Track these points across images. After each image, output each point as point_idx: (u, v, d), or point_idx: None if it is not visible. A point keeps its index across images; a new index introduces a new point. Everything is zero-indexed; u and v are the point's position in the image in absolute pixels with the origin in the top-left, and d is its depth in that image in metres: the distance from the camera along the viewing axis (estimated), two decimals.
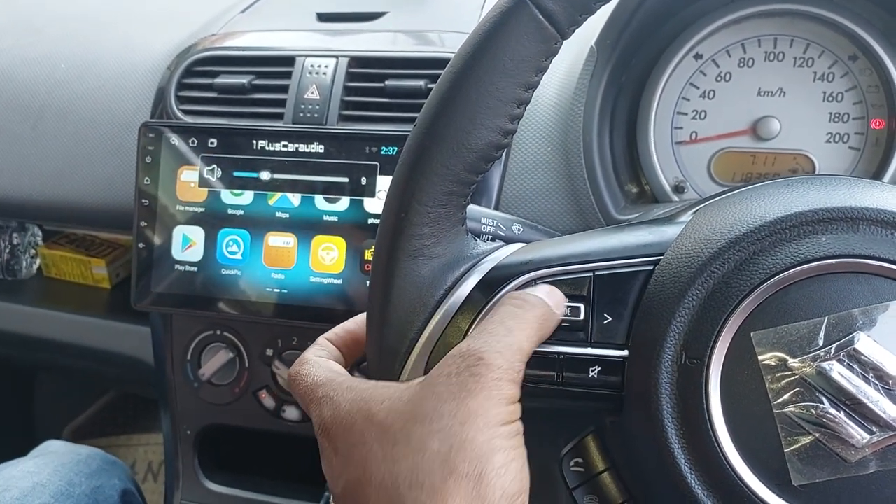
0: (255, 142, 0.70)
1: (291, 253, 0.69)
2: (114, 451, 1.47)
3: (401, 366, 0.42)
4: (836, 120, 0.67)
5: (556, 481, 0.46)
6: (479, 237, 0.48)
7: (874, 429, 0.35)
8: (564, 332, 0.41)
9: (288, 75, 0.74)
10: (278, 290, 0.69)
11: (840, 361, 0.36)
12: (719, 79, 0.70)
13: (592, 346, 0.41)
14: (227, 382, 0.76)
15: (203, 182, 0.71)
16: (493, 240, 0.49)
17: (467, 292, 0.42)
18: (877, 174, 0.66)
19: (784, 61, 0.68)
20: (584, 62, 0.67)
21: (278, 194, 0.70)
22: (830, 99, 0.67)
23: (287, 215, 0.69)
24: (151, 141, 0.72)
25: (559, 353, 0.41)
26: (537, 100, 0.71)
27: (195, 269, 0.71)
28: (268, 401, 0.75)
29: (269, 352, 0.74)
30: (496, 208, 0.70)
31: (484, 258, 0.44)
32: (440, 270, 0.42)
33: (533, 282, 0.42)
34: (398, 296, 0.42)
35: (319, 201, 0.69)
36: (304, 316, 0.69)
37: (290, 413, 0.74)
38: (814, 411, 0.36)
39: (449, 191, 0.41)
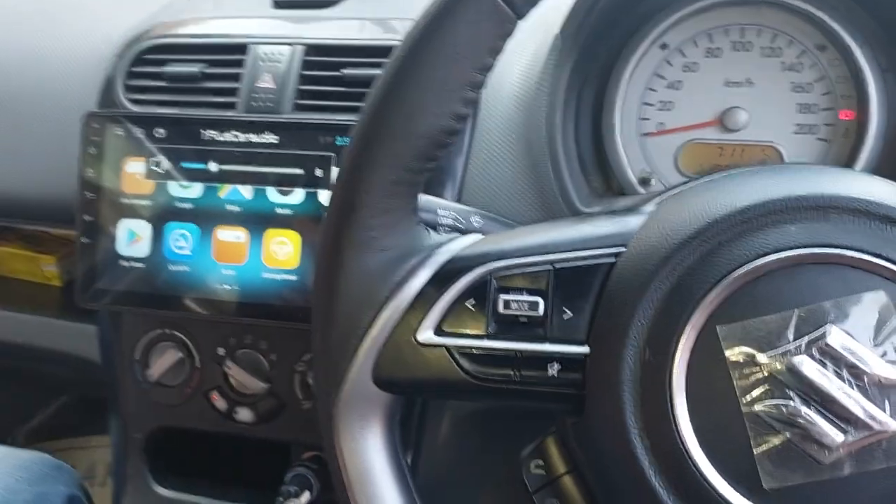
0: (203, 132, 0.67)
1: (243, 248, 0.66)
2: (71, 453, 1.42)
3: (347, 365, 0.40)
4: (805, 111, 0.66)
5: (519, 484, 0.44)
6: (435, 230, 0.46)
7: (849, 428, 0.33)
8: (522, 328, 0.39)
9: (241, 63, 0.71)
10: (229, 287, 0.66)
11: (811, 356, 0.34)
12: (686, 69, 0.68)
13: (552, 343, 0.39)
14: (177, 383, 0.72)
15: (149, 174, 0.68)
16: (450, 232, 0.47)
17: (419, 286, 0.40)
18: (846, 166, 0.64)
19: (752, 51, 0.67)
20: (548, 51, 0.65)
21: (229, 187, 0.66)
22: (799, 89, 0.66)
23: (238, 208, 0.66)
24: (96, 131, 0.69)
25: (516, 351, 0.39)
26: (500, 90, 0.69)
27: (141, 264, 0.68)
28: (219, 402, 0.71)
29: (222, 351, 0.71)
30: (458, 200, 0.67)
31: (437, 250, 0.41)
32: (390, 263, 0.40)
33: (489, 276, 0.40)
34: (344, 290, 0.39)
35: (272, 194, 0.66)
36: (256, 313, 0.65)
37: (243, 415, 0.71)
38: (784, 409, 0.34)
39: (398, 180, 0.39)
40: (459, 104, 0.38)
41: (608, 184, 0.70)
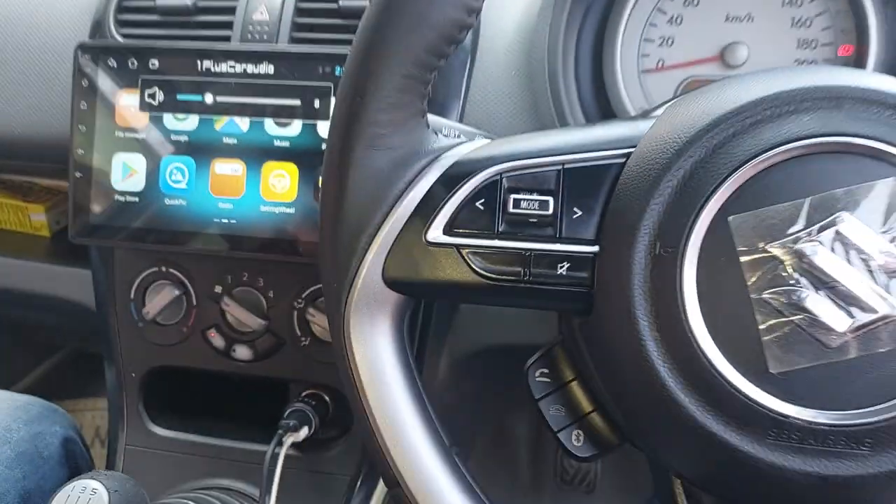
0: (199, 62, 0.66)
1: (240, 181, 0.65)
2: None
3: (357, 264, 0.39)
4: (805, 46, 0.66)
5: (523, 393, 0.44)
6: None
7: (856, 312, 0.34)
8: (532, 227, 0.39)
9: None
10: (226, 221, 0.65)
11: (822, 243, 0.34)
12: (687, 4, 0.68)
13: (562, 242, 0.39)
14: (174, 322, 0.72)
15: (144, 106, 0.67)
16: None
17: (428, 187, 0.39)
18: None
19: None
20: None
21: (225, 119, 0.65)
22: (799, 24, 0.66)
23: (235, 141, 0.65)
24: (88, 63, 0.67)
25: (526, 250, 0.39)
26: (500, 23, 0.69)
27: (136, 199, 0.67)
28: (217, 340, 0.71)
29: (218, 288, 0.70)
30: None
31: (445, 153, 0.41)
32: (399, 163, 0.39)
33: (499, 176, 0.40)
34: (354, 189, 0.39)
35: (269, 125, 0.65)
36: (253, 247, 0.65)
37: (241, 352, 0.70)
38: (793, 296, 0.34)
39: (408, 74, 0.38)
40: None
41: (605, 118, 0.70)
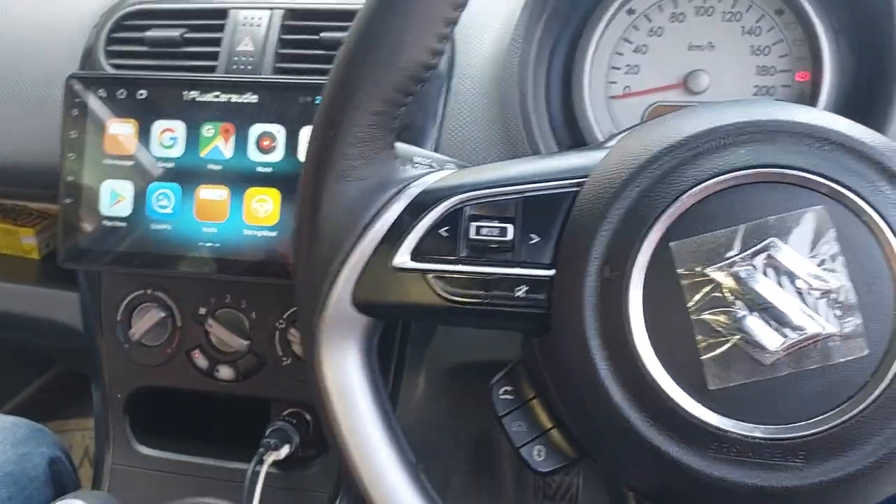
0: (185, 93, 0.68)
1: (224, 206, 0.67)
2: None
3: (328, 288, 0.42)
4: (764, 73, 0.69)
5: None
6: None
7: (787, 332, 0.36)
8: (493, 252, 0.41)
9: (221, 28, 0.73)
10: (210, 244, 0.68)
11: (755, 267, 0.37)
12: (651, 33, 0.71)
13: (520, 266, 0.41)
14: (159, 343, 0.74)
15: (131, 135, 0.69)
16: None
17: (395, 215, 0.42)
18: None
19: (713, 15, 0.69)
20: (519, 12, 0.67)
21: (210, 146, 0.68)
22: (758, 52, 0.69)
23: (219, 167, 0.68)
24: (78, 93, 0.70)
25: (487, 274, 0.41)
26: (474, 51, 0.71)
27: (124, 224, 0.69)
28: (201, 361, 0.73)
29: (203, 310, 0.72)
30: None
31: (413, 182, 0.43)
32: (369, 192, 0.42)
33: (462, 205, 0.42)
34: (326, 217, 0.42)
35: (253, 152, 0.67)
36: (238, 270, 0.67)
37: (224, 372, 0.72)
38: (730, 317, 0.37)
39: (378, 111, 0.41)
40: (435, 39, 0.40)
41: (577, 146, 0.73)
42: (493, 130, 0.69)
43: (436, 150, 0.69)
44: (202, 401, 0.77)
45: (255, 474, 0.66)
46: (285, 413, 0.74)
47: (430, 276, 0.41)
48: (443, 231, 0.42)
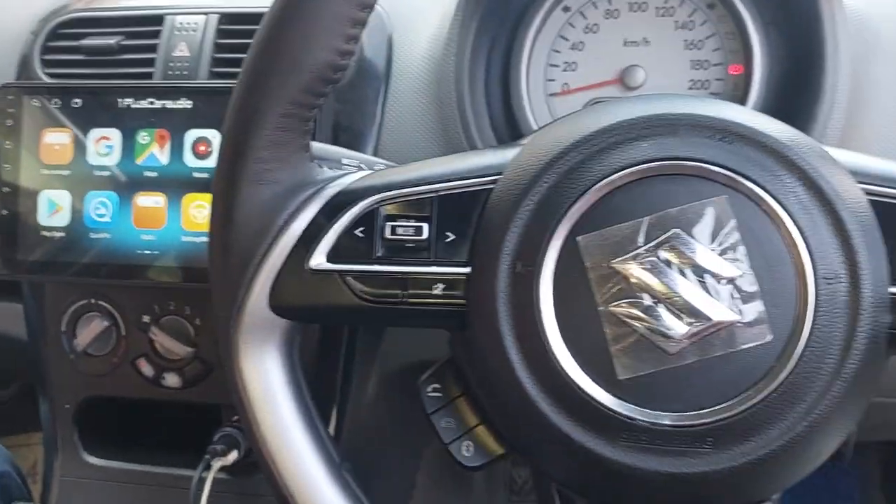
0: (120, 100, 0.68)
1: (161, 213, 0.67)
2: (13, 451, 1.41)
3: (244, 293, 0.42)
4: (698, 67, 0.70)
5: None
6: None
7: (692, 321, 0.37)
8: (409, 252, 0.42)
9: (157, 34, 0.72)
10: (149, 252, 0.67)
11: (659, 259, 0.37)
12: (587, 30, 0.71)
13: (436, 265, 0.41)
14: (104, 352, 0.73)
15: (67, 144, 0.68)
16: None
17: (311, 217, 0.42)
18: None
19: (647, 11, 0.70)
20: (453, 13, 0.67)
21: (146, 153, 0.68)
22: (691, 47, 0.70)
23: (156, 174, 0.67)
24: (11, 103, 0.69)
25: (403, 273, 0.41)
26: (411, 52, 0.72)
27: (62, 234, 0.69)
28: (147, 369, 0.72)
29: (146, 318, 0.72)
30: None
31: (329, 184, 0.43)
32: (283, 195, 0.42)
33: (377, 205, 0.42)
34: (240, 222, 0.41)
35: (189, 158, 0.67)
36: (178, 277, 0.67)
37: (170, 380, 0.72)
38: (636, 308, 0.37)
39: (287, 113, 0.41)
40: (342, 40, 0.40)
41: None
42: (432, 131, 0.69)
43: (375, 153, 0.70)
44: (153, 408, 0.76)
45: (201, 480, 0.65)
46: (234, 418, 0.74)
47: (346, 276, 0.41)
48: (358, 231, 0.42)
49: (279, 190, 0.42)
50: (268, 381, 0.42)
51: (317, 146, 0.54)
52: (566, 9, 0.72)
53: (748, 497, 0.39)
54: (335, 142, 0.68)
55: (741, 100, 0.68)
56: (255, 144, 0.40)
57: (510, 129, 0.73)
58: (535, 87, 0.72)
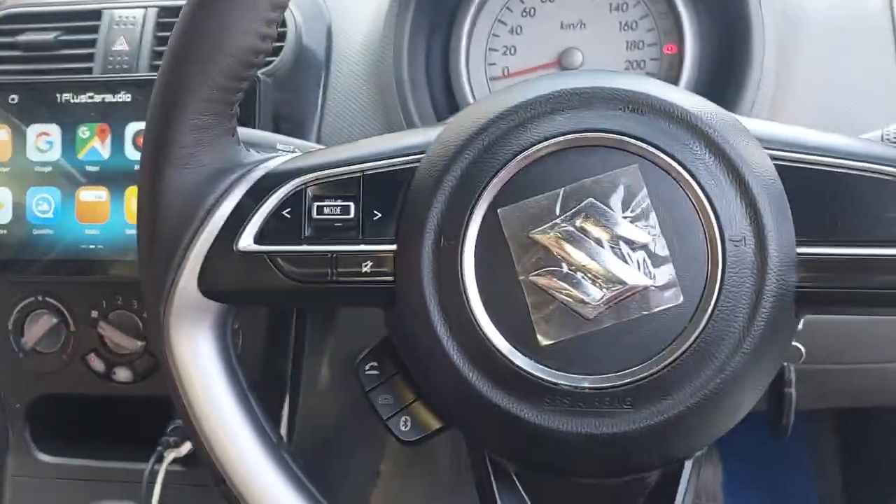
0: (59, 95, 0.68)
1: (104, 207, 0.67)
2: None
3: (173, 277, 0.42)
4: (633, 48, 0.71)
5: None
6: None
7: (607, 286, 0.38)
8: (337, 231, 0.42)
9: (95, 29, 0.72)
10: (94, 247, 0.67)
11: (575, 227, 0.38)
12: (525, 14, 0.72)
13: (364, 243, 0.42)
14: (54, 350, 0.73)
15: (6, 141, 0.68)
16: None
17: (237, 200, 0.42)
18: None
19: None
20: (389, 1, 0.68)
21: (87, 147, 0.67)
22: (626, 28, 0.71)
23: (97, 168, 0.67)
24: None
25: (332, 252, 0.42)
26: (350, 40, 0.72)
27: (4, 231, 0.68)
28: (97, 364, 0.72)
29: (95, 313, 0.71)
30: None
31: (256, 167, 0.44)
32: (208, 179, 0.42)
33: (304, 186, 0.43)
34: (166, 207, 0.42)
35: (130, 151, 0.67)
36: (122, 270, 0.67)
37: (121, 374, 0.72)
38: (555, 276, 0.38)
39: (209, 97, 0.41)
40: (262, 24, 0.40)
41: None
42: (374, 119, 0.70)
43: (318, 141, 0.70)
44: (107, 403, 0.76)
45: (154, 472, 0.66)
46: None
47: (275, 257, 0.42)
48: (286, 213, 0.42)
49: (204, 174, 0.42)
50: (201, 363, 0.42)
51: (251, 133, 0.55)
52: None
53: (669, 454, 0.40)
54: (276, 130, 0.68)
55: (675, 79, 0.70)
56: (177, 129, 0.41)
57: (452, 113, 0.74)
58: (475, 72, 0.73)
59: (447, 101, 0.74)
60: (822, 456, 1.19)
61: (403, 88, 0.68)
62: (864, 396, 0.82)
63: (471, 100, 0.72)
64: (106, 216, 0.67)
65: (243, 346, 0.70)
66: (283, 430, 0.75)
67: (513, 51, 0.73)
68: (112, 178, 0.67)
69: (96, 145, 0.67)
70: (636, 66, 0.71)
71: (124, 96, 0.67)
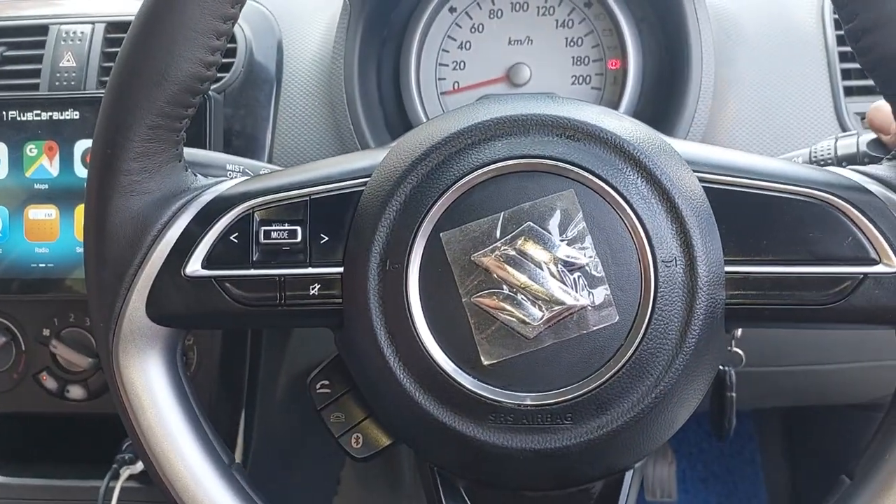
0: (5, 113, 0.67)
1: (54, 225, 0.67)
2: None
3: (121, 304, 0.42)
4: (579, 63, 0.73)
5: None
6: None
7: (547, 307, 0.39)
8: (285, 255, 0.43)
9: (42, 44, 0.72)
10: (44, 265, 0.67)
11: (515, 250, 0.40)
12: (473, 30, 0.74)
13: (312, 266, 0.43)
14: (4, 369, 0.72)
15: None
16: None
17: (184, 225, 0.43)
18: (615, 108, 0.72)
19: (529, 10, 0.73)
20: (339, 16, 0.69)
21: (35, 165, 0.67)
22: (572, 44, 0.73)
23: (46, 186, 0.67)
24: None
25: (280, 276, 0.43)
26: (300, 55, 0.72)
27: None
28: (49, 382, 0.71)
29: (46, 331, 0.71)
30: (269, 163, 0.70)
31: (203, 191, 0.44)
32: (154, 205, 0.43)
33: (251, 211, 0.44)
34: (113, 234, 0.42)
35: (80, 169, 0.67)
36: (73, 288, 0.66)
37: (75, 392, 0.71)
38: (496, 298, 0.40)
39: (154, 124, 0.42)
40: (206, 52, 0.41)
41: None
42: (326, 134, 0.71)
43: (270, 158, 0.70)
44: (62, 421, 0.75)
45: (109, 490, 0.66)
46: None
47: (223, 282, 0.43)
48: (233, 237, 0.43)
49: (151, 200, 0.43)
50: (151, 388, 0.43)
51: (200, 154, 0.55)
52: (452, 9, 0.74)
53: (609, 466, 0.42)
54: (228, 147, 0.68)
55: (619, 93, 0.72)
56: (123, 157, 0.41)
57: (405, 128, 0.75)
58: (426, 86, 0.74)
59: (399, 116, 0.75)
60: (771, 454, 1.23)
61: (355, 104, 0.69)
62: (803, 396, 0.85)
63: (421, 114, 0.73)
64: (56, 234, 0.67)
65: (198, 362, 0.70)
66: (240, 443, 0.75)
67: (462, 66, 0.74)
68: (61, 196, 0.67)
69: (44, 163, 0.67)
70: (582, 80, 0.73)
71: (72, 114, 0.67)
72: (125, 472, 0.68)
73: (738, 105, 0.68)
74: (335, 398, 0.47)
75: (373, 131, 0.70)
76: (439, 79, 0.75)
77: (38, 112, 0.67)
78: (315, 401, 0.47)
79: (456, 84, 0.75)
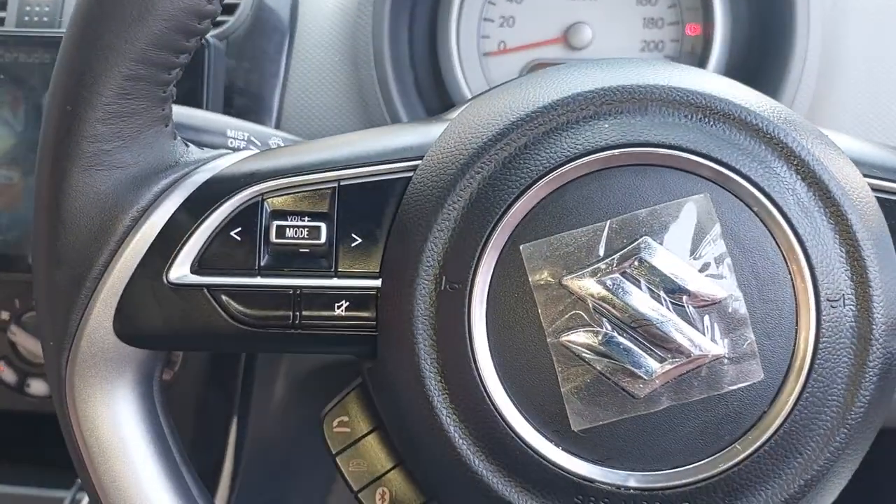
0: None
1: (16, 189, 0.58)
2: None
3: (79, 317, 0.32)
4: (651, 26, 0.63)
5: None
6: None
7: (665, 355, 0.29)
8: (302, 260, 0.33)
9: None
10: (2, 238, 0.57)
11: (624, 275, 0.29)
12: None
13: (339, 277, 0.33)
14: None
15: None
16: None
17: (169, 214, 0.32)
18: None
19: None
20: None
21: None
22: (644, 2, 0.63)
23: (8, 145, 0.56)
24: None
25: (296, 288, 0.32)
26: (320, 1, 0.62)
27: None
28: (7, 374, 0.63)
29: (5, 315, 0.62)
30: (277, 128, 0.60)
31: (197, 168, 0.33)
32: (129, 185, 0.32)
33: (260, 197, 0.33)
34: (71, 222, 0.32)
35: None
36: None
37: (36, 387, 0.63)
38: (595, 339, 0.30)
39: (133, 74, 0.31)
40: None
41: (446, 109, 0.65)
42: (346, 95, 0.62)
43: (278, 122, 0.61)
44: (23, 419, 0.66)
45: (76, 502, 0.57)
46: None
47: (219, 293, 0.32)
48: (234, 234, 0.33)
49: (124, 177, 0.32)
50: (118, 431, 0.32)
51: (194, 114, 0.44)
52: None
53: None
54: (229, 107, 0.58)
55: (699, 64, 0.61)
56: (87, 117, 0.31)
57: (439, 95, 0.65)
58: (466, 45, 0.64)
59: (433, 79, 0.65)
60: None
61: (383, 63, 0.59)
62: None
63: (460, 78, 0.63)
64: (18, 201, 0.57)
65: (183, 359, 0.60)
66: (231, 450, 0.66)
67: (511, 22, 0.64)
68: (26, 156, 0.57)
69: (6, 115, 0.56)
70: (654, 47, 0.63)
71: (42, 56, 0.56)
72: None
73: (845, 87, 0.58)
74: (355, 441, 0.37)
75: (403, 97, 0.60)
76: (482, 36, 0.64)
77: (2, 52, 0.56)
78: (330, 443, 0.37)
79: (502, 44, 0.64)
